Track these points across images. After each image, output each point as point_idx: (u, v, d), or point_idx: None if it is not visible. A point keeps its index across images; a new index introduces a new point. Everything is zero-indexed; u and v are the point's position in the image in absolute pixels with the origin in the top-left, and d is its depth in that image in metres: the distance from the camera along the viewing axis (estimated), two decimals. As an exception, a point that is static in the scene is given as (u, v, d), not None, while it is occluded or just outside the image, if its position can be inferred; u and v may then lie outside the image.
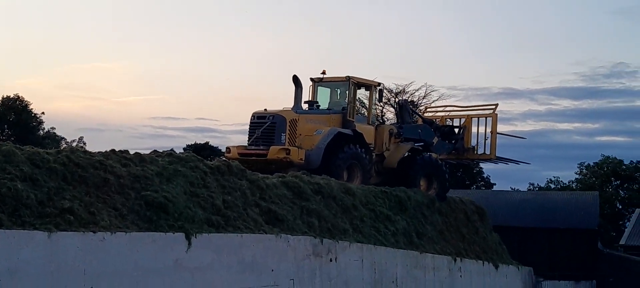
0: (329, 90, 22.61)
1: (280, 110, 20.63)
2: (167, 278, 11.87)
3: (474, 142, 26.11)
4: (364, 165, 20.72)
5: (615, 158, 63.95)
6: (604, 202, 54.01)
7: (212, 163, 14.78)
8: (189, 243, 12.27)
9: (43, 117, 58.92)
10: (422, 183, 22.55)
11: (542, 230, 37.69)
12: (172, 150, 15.04)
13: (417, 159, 22.64)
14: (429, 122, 25.35)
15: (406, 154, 22.76)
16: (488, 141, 25.87)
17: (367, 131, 21.75)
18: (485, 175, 59.83)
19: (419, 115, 26.48)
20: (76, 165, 11.90)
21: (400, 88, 54.27)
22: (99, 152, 13.28)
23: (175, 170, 13.56)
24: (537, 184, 66.47)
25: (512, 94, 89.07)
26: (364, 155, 20.80)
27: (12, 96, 57.62)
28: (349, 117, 21.32)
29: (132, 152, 13.79)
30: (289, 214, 15.24)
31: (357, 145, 20.65)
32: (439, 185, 22.88)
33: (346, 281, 16.22)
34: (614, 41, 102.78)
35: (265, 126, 20.37)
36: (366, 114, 22.66)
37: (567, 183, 65.26)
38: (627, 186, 63.68)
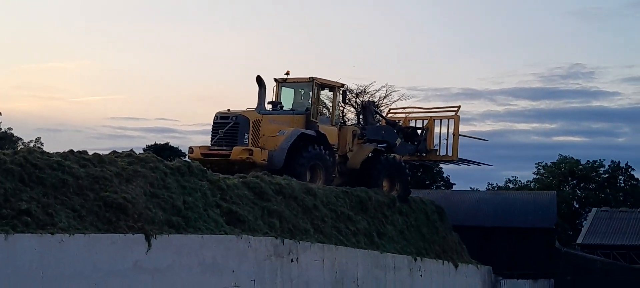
0: (292, 90, 22.56)
1: (244, 111, 20.57)
2: (127, 280, 11.77)
3: (436, 143, 26.25)
4: (326, 166, 20.71)
5: (572, 158, 64.84)
6: (561, 201, 54.71)
7: (172, 163, 14.69)
8: (149, 245, 12.18)
9: (0, 118, 57.91)
10: (385, 184, 22.62)
11: (501, 229, 37.99)
12: (131, 150, 14.87)
13: (380, 160, 22.68)
14: (392, 123, 25.39)
15: (369, 155, 22.77)
16: (451, 142, 26.04)
17: (331, 132, 21.74)
18: (445, 175, 60.21)
19: (382, 116, 26.50)
20: (33, 166, 11.75)
21: (361, 88, 54.57)
22: (56, 153, 13.12)
23: (135, 171, 13.46)
24: (496, 184, 67.10)
25: (471, 94, 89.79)
26: (326, 156, 20.78)
27: (-33, 96, 56.55)
28: (313, 118, 21.25)
29: (90, 153, 13.65)
30: (249, 215, 15.21)
31: (320, 146, 20.63)
32: (401, 187, 22.97)
33: (307, 281, 16.23)
34: (571, 42, 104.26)
35: (228, 126, 20.26)
36: (329, 115, 22.64)
37: (525, 183, 66.00)
38: (584, 186, 64.61)
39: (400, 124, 25.80)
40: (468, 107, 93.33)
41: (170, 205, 13.34)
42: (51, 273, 10.61)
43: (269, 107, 21.43)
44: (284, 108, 21.91)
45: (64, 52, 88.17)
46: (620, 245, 43.71)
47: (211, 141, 20.63)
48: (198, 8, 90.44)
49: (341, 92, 22.70)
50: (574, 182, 64.94)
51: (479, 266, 26.81)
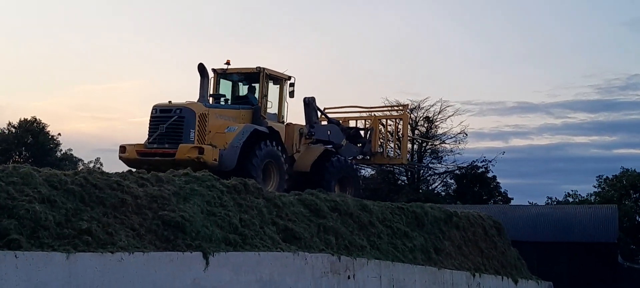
0: (230, 83, 20.66)
1: (188, 103, 18.41)
2: (186, 297, 11.85)
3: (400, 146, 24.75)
4: (280, 166, 19.01)
5: (634, 170, 63.44)
6: (623, 215, 53.60)
7: (228, 182, 14.80)
8: (207, 263, 12.26)
9: (59, 139, 59.30)
10: (335, 188, 21.03)
11: (561, 244, 37.46)
12: (188, 169, 15.02)
13: (332, 162, 21.03)
14: (336, 122, 23.05)
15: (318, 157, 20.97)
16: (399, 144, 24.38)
17: (279, 130, 19.78)
18: (502, 190, 59.61)
19: (325, 114, 23.38)
20: (93, 186, 11.95)
21: (416, 104, 54.37)
22: (116, 173, 13.34)
23: (192, 190, 13.60)
24: (555, 198, 66.09)
25: (527, 107, 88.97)
26: (281, 155, 19.03)
27: (29, 118, 58.06)
28: (263, 113, 19.43)
29: (148, 172, 13.84)
30: (306, 232, 15.22)
31: (274, 143, 18.91)
32: (353, 190, 21.44)
33: (364, 298, 16.13)
34: (628, 53, 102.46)
35: (170, 121, 18.10)
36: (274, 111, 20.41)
37: (586, 197, 64.82)
38: (647, 199, 63.12)
39: (341, 123, 23.74)
40: (524, 121, 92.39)
41: (227, 223, 13.43)
42: (111, 291, 10.76)
43: (211, 100, 19.54)
44: (228, 101, 20.15)
45: (121, 72, 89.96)
46: (686, 259, 42.57)
47: (149, 138, 18.37)
48: (244, 25, 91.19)
49: (288, 85, 20.47)
50: (636, 196, 63.51)
51: (539, 281, 26.34)
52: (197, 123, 18.03)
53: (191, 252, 12.09)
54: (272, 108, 20.21)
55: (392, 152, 24.83)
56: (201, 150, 17.47)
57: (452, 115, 56.38)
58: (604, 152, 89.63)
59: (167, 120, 18.13)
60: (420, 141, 54.59)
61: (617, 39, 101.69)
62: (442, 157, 56.79)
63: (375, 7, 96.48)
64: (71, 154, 59.37)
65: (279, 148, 19.09)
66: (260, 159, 18.31)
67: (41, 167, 12.26)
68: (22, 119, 58.19)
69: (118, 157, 18.53)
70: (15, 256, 9.75)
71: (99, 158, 59.89)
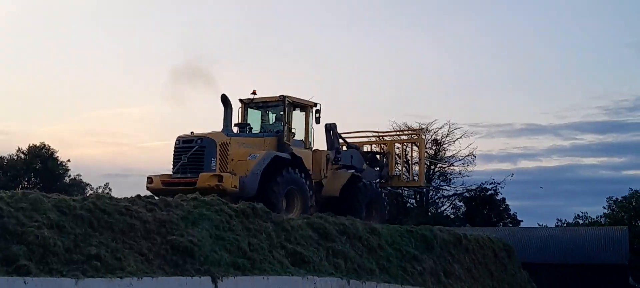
0: (259, 112, 20.93)
1: (209, 133, 18.85)
2: (194, 322, 11.83)
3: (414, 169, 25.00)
4: (304, 192, 19.08)
5: (644, 191, 63.12)
6: (634, 236, 53.29)
7: (237, 206, 14.80)
8: (216, 287, 12.25)
9: (69, 164, 59.41)
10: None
11: (572, 266, 37.25)
12: (197, 194, 15.07)
13: (361, 187, 21.31)
14: (355, 147, 23.39)
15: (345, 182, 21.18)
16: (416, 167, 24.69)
17: (305, 156, 19.97)
18: (512, 212, 59.36)
19: (345, 140, 23.41)
20: (102, 212, 11.98)
21: (424, 126, 54.29)
22: (124, 198, 13.38)
23: (201, 214, 13.62)
24: (565, 220, 65.73)
25: (535, 129, 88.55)
26: (304, 181, 19.16)
27: (38, 144, 58.22)
28: (286, 140, 19.63)
29: (157, 197, 13.86)
30: (314, 255, 15.19)
31: (297, 170, 19.05)
32: (379, 214, 21.74)
33: (374, 322, 16.06)
34: (636, 74, 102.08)
35: (192, 151, 18.53)
36: (300, 138, 20.53)
37: (596, 219, 64.47)
38: (657, 220, 62.75)
39: (359, 149, 23.85)
40: (533, 143, 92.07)
41: (236, 247, 13.43)
42: (120, 316, 10.74)
43: (235, 129, 19.88)
44: (253, 130, 20.43)
45: (129, 98, 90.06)
46: (698, 280, 42.28)
47: (173, 168, 18.87)
48: (248, 53, 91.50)
49: (314, 111, 20.65)
50: (646, 217, 63.14)
51: (550, 304, 26.17)
52: (218, 152, 18.41)
53: (200, 277, 12.09)
54: (298, 135, 20.51)
55: (409, 175, 25.12)
56: (220, 178, 17.72)
57: (460, 137, 56.23)
58: (613, 173, 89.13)
59: (189, 150, 18.57)
60: (428, 163, 54.55)
61: (624, 59, 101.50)
62: (450, 180, 56.64)
63: (377, 29, 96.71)
64: (80, 180, 59.43)
65: (302, 174, 19.24)
66: (281, 186, 18.49)
67: (50, 193, 12.29)
68: (31, 145, 58.37)
69: (146, 188, 18.93)
70: (25, 282, 9.77)
71: (108, 183, 59.78)
